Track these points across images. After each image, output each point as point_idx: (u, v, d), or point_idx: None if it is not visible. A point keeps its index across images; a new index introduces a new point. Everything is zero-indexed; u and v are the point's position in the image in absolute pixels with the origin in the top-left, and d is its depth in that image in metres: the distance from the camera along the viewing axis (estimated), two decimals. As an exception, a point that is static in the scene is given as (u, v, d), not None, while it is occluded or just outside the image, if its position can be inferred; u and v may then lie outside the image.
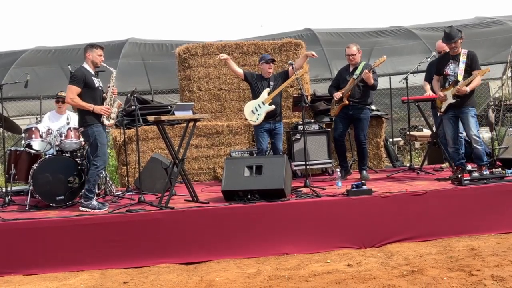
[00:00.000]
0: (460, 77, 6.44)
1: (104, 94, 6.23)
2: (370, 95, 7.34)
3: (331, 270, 4.89)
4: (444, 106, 6.64)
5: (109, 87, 6.23)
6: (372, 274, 4.69)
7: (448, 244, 5.53)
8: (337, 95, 7.27)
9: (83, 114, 6.02)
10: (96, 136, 5.96)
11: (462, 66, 6.46)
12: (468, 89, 6.37)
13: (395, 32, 16.42)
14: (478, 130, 6.55)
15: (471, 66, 6.46)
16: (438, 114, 7.02)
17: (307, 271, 4.91)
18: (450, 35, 6.47)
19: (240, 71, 7.33)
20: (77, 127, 6.34)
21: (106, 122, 6.09)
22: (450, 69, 6.58)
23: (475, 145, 6.48)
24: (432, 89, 7.38)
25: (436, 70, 6.85)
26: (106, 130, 6.35)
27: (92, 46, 6.16)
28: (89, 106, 5.94)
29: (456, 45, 6.49)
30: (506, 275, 4.43)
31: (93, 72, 6.12)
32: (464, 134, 6.85)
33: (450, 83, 6.56)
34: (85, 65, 6.11)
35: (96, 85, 6.07)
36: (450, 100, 6.53)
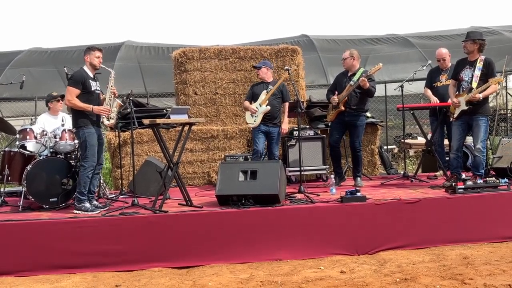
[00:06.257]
0: (474, 84, 6.41)
1: (103, 95, 6.24)
2: (366, 102, 7.35)
3: (324, 276, 4.89)
4: (457, 112, 6.62)
5: (107, 87, 6.24)
6: (365, 281, 4.70)
7: (441, 252, 5.54)
8: (334, 99, 7.27)
9: (77, 115, 6.03)
10: (86, 137, 5.96)
11: (477, 73, 6.43)
12: (481, 96, 6.35)
13: (391, 40, 16.52)
14: (485, 140, 6.54)
15: (487, 73, 6.41)
16: (451, 120, 6.88)
17: (300, 277, 4.91)
18: (467, 34, 6.55)
19: (248, 103, 7.40)
20: (71, 128, 6.34)
21: (106, 122, 6.18)
22: (465, 74, 6.57)
23: (477, 154, 6.50)
24: (434, 95, 7.41)
25: (453, 74, 6.84)
26: (102, 132, 6.36)
27: (89, 49, 6.18)
28: (88, 107, 5.94)
29: (465, 45, 6.52)
30: (499, 284, 4.44)
31: (92, 75, 6.14)
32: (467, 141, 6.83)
33: (464, 89, 6.54)
34: (85, 68, 6.14)
35: (93, 88, 6.07)
36: (463, 106, 6.50)
